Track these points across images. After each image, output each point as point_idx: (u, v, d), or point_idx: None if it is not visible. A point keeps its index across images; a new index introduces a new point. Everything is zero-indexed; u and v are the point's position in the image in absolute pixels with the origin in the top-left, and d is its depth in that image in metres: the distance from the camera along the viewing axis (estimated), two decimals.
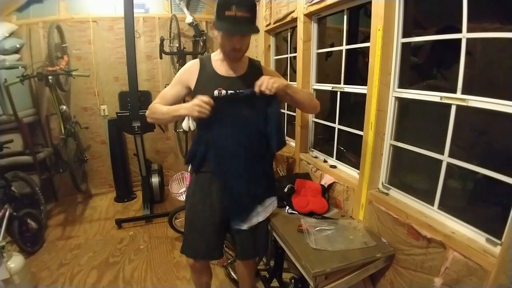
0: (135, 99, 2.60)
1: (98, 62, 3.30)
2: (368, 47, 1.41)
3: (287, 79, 2.47)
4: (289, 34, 2.45)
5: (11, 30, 2.90)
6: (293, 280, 1.62)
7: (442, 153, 1.16)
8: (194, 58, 2.64)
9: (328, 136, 2.01)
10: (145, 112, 2.63)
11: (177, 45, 3.24)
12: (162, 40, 3.11)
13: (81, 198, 3.44)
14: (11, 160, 2.63)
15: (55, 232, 2.69)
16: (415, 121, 1.44)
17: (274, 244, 1.75)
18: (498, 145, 1.13)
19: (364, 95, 1.48)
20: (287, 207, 1.70)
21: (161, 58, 3.23)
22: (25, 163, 2.70)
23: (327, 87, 1.94)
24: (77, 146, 3.17)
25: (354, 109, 1.82)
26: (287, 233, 1.46)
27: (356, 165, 1.68)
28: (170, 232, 2.60)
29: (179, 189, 2.51)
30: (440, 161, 1.17)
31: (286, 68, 2.55)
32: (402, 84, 1.36)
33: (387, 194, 1.44)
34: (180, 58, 3.26)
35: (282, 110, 2.62)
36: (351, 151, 1.84)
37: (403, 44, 1.33)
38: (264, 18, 2.59)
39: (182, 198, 2.40)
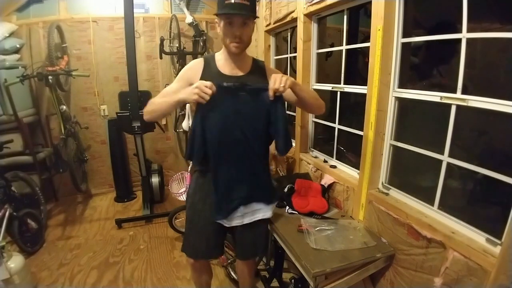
0: (135, 99, 2.60)
1: (98, 62, 3.30)
2: (368, 47, 1.41)
3: None
4: (289, 34, 2.45)
5: (11, 30, 2.90)
6: (293, 280, 1.62)
7: (442, 153, 1.16)
8: (194, 58, 2.65)
9: (328, 136, 2.01)
10: None
11: (177, 45, 3.25)
12: (162, 40, 3.11)
13: (81, 198, 3.44)
14: (11, 160, 2.63)
15: (55, 232, 2.69)
16: (415, 121, 1.44)
17: (274, 244, 1.75)
18: (498, 145, 1.14)
19: (364, 95, 1.48)
20: (287, 207, 1.70)
21: (161, 58, 3.23)
22: (25, 163, 2.70)
23: (327, 87, 1.94)
24: (77, 146, 3.17)
25: (354, 109, 1.82)
26: (287, 233, 1.46)
27: (356, 165, 1.68)
28: (170, 232, 2.60)
29: (179, 189, 2.51)
30: (440, 161, 1.17)
31: (286, 68, 2.55)
32: (402, 84, 1.36)
33: (387, 194, 1.44)
34: (180, 58, 3.26)
35: None
36: (351, 151, 1.84)
37: (403, 44, 1.33)
38: (264, 18, 2.59)
39: (182, 198, 2.40)
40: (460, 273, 1.02)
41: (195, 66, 1.29)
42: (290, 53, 2.46)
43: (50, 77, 2.69)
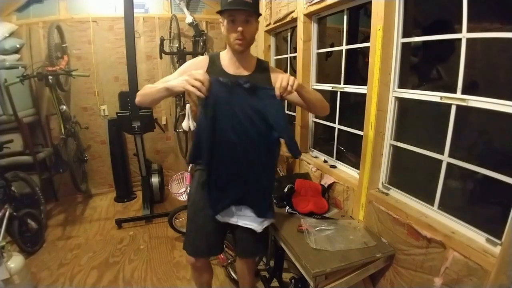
0: (135, 99, 2.60)
1: (98, 62, 3.30)
2: (368, 47, 1.41)
3: None
4: (289, 34, 2.45)
5: (11, 30, 2.90)
6: (293, 280, 1.62)
7: (442, 153, 1.16)
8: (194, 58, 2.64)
9: (328, 136, 2.01)
10: (145, 112, 2.62)
11: (177, 45, 3.25)
12: (162, 40, 3.11)
13: (81, 198, 3.44)
14: (11, 160, 2.63)
15: (55, 232, 2.69)
16: (415, 121, 1.44)
17: (274, 244, 1.75)
18: (498, 145, 1.14)
19: (364, 95, 1.48)
20: (287, 207, 1.70)
21: (161, 58, 3.23)
22: (25, 163, 2.70)
23: (327, 87, 1.94)
24: (77, 146, 3.17)
25: (354, 109, 1.82)
26: (287, 233, 1.46)
27: (356, 165, 1.68)
28: (170, 232, 2.60)
29: (179, 189, 2.51)
30: (440, 161, 1.17)
31: (286, 68, 2.55)
32: (402, 84, 1.36)
33: (387, 194, 1.44)
34: (180, 58, 3.26)
35: None
36: (351, 151, 1.84)
37: (403, 44, 1.33)
38: (264, 18, 2.59)
39: (182, 198, 2.40)
40: (460, 273, 1.02)
41: (200, 63, 1.29)
42: (290, 53, 2.46)
43: (50, 77, 2.69)
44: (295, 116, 2.26)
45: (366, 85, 1.45)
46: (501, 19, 1.02)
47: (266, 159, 1.25)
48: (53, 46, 2.78)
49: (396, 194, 1.41)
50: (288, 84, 1.08)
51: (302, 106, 1.36)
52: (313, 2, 1.79)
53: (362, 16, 1.75)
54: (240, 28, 1.14)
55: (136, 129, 2.66)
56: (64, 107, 2.91)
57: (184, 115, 3.09)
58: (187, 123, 2.85)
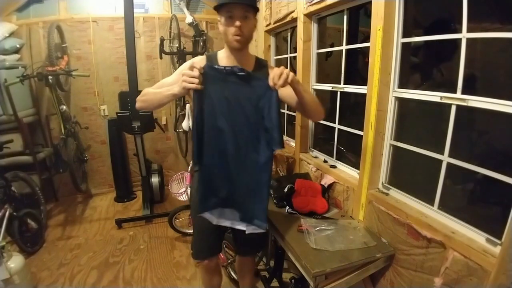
0: (135, 99, 2.59)
1: (98, 62, 3.30)
2: (368, 47, 1.41)
3: None
4: (289, 34, 2.45)
5: (11, 30, 2.90)
6: (293, 280, 1.62)
7: (442, 153, 1.16)
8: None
9: (328, 136, 2.01)
10: (145, 112, 2.61)
11: (177, 45, 3.25)
12: (162, 40, 3.11)
13: (81, 198, 3.44)
14: (11, 160, 2.63)
15: (55, 232, 2.69)
16: (415, 121, 1.44)
17: (274, 244, 1.75)
18: (498, 145, 1.13)
19: (364, 95, 1.48)
20: (287, 207, 1.70)
21: (161, 58, 3.23)
22: (25, 163, 2.70)
23: (327, 87, 1.94)
24: (77, 146, 3.17)
25: (354, 109, 1.82)
26: (287, 233, 1.46)
27: (356, 165, 1.68)
28: (170, 232, 2.60)
29: (179, 189, 2.51)
30: (440, 161, 1.17)
31: (286, 68, 2.55)
32: (402, 84, 1.36)
33: (387, 194, 1.44)
34: (180, 58, 3.26)
35: (282, 110, 2.62)
36: (351, 151, 1.84)
37: (403, 44, 1.32)
38: (264, 18, 2.60)
39: (182, 198, 2.40)
40: (460, 273, 1.02)
41: (197, 63, 1.25)
42: (290, 53, 2.46)
43: (50, 77, 2.69)
44: (295, 116, 2.26)
45: (366, 85, 1.45)
46: (501, 19, 1.02)
47: (258, 153, 1.16)
48: (53, 46, 2.78)
49: (396, 194, 1.41)
50: (282, 73, 1.04)
51: (297, 108, 1.29)
52: (313, 2, 1.79)
53: (362, 16, 1.75)
54: (238, 23, 1.11)
55: (136, 129, 2.67)
56: (64, 107, 2.92)
57: (184, 115, 3.09)
58: (187, 123, 2.85)
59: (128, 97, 2.72)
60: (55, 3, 3.12)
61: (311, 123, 2.15)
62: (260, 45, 2.80)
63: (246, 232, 1.24)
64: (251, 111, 1.12)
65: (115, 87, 3.34)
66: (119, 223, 2.76)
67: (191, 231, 2.45)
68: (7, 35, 2.85)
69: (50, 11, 3.12)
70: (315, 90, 2.08)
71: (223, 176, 1.18)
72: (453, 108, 1.10)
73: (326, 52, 2.04)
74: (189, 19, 3.23)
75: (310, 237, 1.38)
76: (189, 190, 2.12)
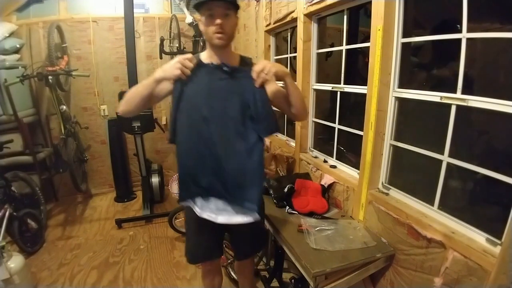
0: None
1: (98, 62, 3.30)
2: (368, 47, 1.41)
3: None
4: (289, 34, 2.45)
5: (11, 30, 2.90)
6: (293, 280, 1.62)
7: (442, 153, 1.16)
8: None
9: (328, 136, 2.01)
10: (145, 112, 2.59)
11: (177, 45, 3.25)
12: (162, 40, 3.11)
13: (81, 198, 3.45)
14: (11, 160, 2.64)
15: (55, 232, 2.70)
16: (415, 121, 1.44)
17: (274, 244, 1.75)
18: (498, 145, 1.13)
19: (364, 95, 1.48)
20: (287, 207, 1.70)
21: (161, 58, 3.23)
22: (25, 163, 2.71)
23: (327, 87, 1.94)
24: (77, 146, 3.17)
25: (354, 109, 1.82)
26: (287, 233, 1.46)
27: (356, 165, 1.68)
28: (170, 232, 2.60)
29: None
30: (440, 161, 1.17)
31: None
32: (402, 84, 1.36)
33: (387, 194, 1.44)
34: None
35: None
36: (351, 151, 1.84)
37: (403, 44, 1.32)
38: (264, 18, 2.59)
39: None
40: (460, 273, 1.02)
41: (189, 57, 1.27)
42: (290, 53, 2.46)
43: (50, 77, 2.70)
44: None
45: (366, 85, 1.45)
46: (501, 19, 1.02)
47: (246, 141, 1.15)
48: (53, 46, 2.78)
49: (396, 194, 1.41)
50: (265, 66, 1.07)
51: (284, 108, 1.27)
52: (313, 2, 1.79)
53: (362, 16, 1.75)
54: (219, 21, 1.10)
55: (136, 129, 2.67)
56: (64, 107, 2.92)
57: None
58: None
59: None
60: (55, 3, 3.13)
61: (311, 123, 2.15)
62: (260, 45, 2.80)
63: (233, 222, 1.21)
64: (237, 103, 1.13)
65: (115, 87, 3.34)
66: (119, 223, 2.76)
67: None
68: (7, 35, 2.85)
69: (50, 11, 3.13)
70: (315, 90, 2.08)
71: (207, 165, 1.15)
72: (453, 108, 1.10)
73: (326, 52, 2.04)
74: (189, 19, 3.23)
75: (310, 237, 1.38)
76: None
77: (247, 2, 2.95)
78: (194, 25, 3.29)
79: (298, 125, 2.18)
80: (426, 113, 1.34)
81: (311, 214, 1.64)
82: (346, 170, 1.79)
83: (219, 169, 1.15)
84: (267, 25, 2.56)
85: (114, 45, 3.32)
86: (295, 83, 1.22)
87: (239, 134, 1.14)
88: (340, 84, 1.80)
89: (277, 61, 2.74)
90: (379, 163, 1.46)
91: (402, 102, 1.37)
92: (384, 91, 1.37)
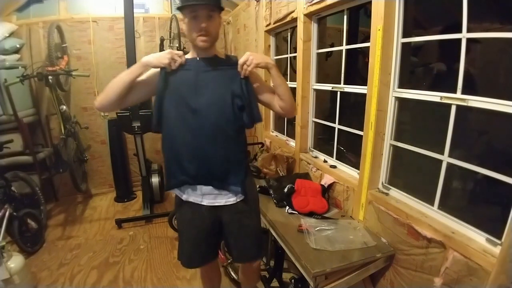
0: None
1: (98, 62, 3.30)
2: (368, 47, 1.41)
3: (287, 79, 2.48)
4: (289, 34, 2.45)
5: (11, 30, 2.90)
6: (293, 280, 1.62)
7: (442, 153, 1.16)
8: None
9: (328, 136, 2.01)
10: (145, 112, 2.57)
11: (177, 45, 3.24)
12: (162, 40, 3.11)
13: (81, 198, 3.45)
14: (11, 160, 2.64)
15: (55, 232, 2.69)
16: (415, 121, 1.44)
17: (274, 244, 1.75)
18: (498, 145, 1.14)
19: (364, 95, 1.48)
20: (287, 207, 1.70)
21: None
22: (25, 163, 2.71)
23: (327, 87, 1.94)
24: (77, 146, 3.17)
25: (354, 109, 1.82)
26: (287, 233, 1.46)
27: (356, 165, 1.68)
28: (170, 232, 2.60)
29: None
30: (440, 161, 1.17)
31: (286, 68, 2.55)
32: (402, 84, 1.36)
33: (387, 194, 1.44)
34: None
35: None
36: (351, 151, 1.84)
37: (403, 44, 1.32)
38: (264, 18, 2.59)
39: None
40: (460, 273, 1.02)
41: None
42: (290, 53, 2.46)
43: (50, 77, 2.70)
44: (295, 116, 2.26)
45: (366, 85, 1.45)
46: (501, 19, 1.02)
47: (232, 129, 1.19)
48: (53, 46, 2.78)
49: (396, 194, 1.41)
50: (247, 58, 1.11)
51: (270, 102, 1.26)
52: (313, 2, 1.79)
53: (362, 16, 1.75)
54: (203, 24, 1.09)
55: (136, 129, 2.66)
56: (64, 107, 2.92)
57: None
58: None
59: None
60: (55, 3, 3.13)
61: (311, 123, 2.15)
62: (260, 45, 2.80)
63: (217, 204, 1.25)
64: (224, 93, 1.16)
65: None
66: (119, 223, 2.76)
67: None
68: (7, 35, 2.85)
69: (50, 11, 3.13)
70: (315, 90, 2.08)
71: (194, 154, 1.18)
72: (453, 108, 1.10)
73: (326, 52, 2.04)
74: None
75: (310, 237, 1.38)
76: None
77: (247, 2, 2.95)
78: None
79: (298, 125, 2.18)
80: (426, 113, 1.34)
81: (311, 214, 1.64)
82: (346, 170, 1.79)
83: (206, 157, 1.18)
84: (267, 25, 2.56)
85: (114, 45, 3.32)
86: (280, 74, 1.22)
87: (224, 124, 1.17)
88: (340, 84, 1.80)
89: (277, 61, 2.74)
90: (379, 163, 1.46)
91: (402, 102, 1.37)
92: (384, 91, 1.37)
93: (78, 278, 2.07)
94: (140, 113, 2.60)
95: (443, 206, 1.19)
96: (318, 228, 1.45)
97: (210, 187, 1.23)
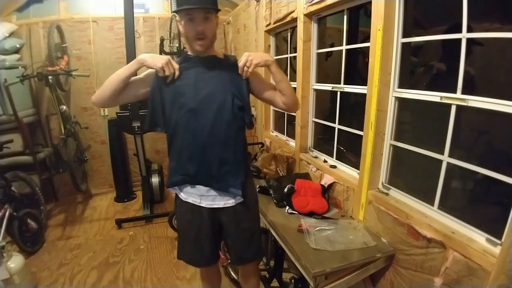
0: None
1: (98, 62, 3.30)
2: (368, 47, 1.41)
3: None
4: (289, 34, 2.45)
5: (11, 30, 2.90)
6: (293, 280, 1.62)
7: (442, 153, 1.16)
8: None
9: (328, 136, 2.01)
10: (145, 112, 2.60)
11: (177, 45, 3.24)
12: (162, 40, 3.11)
13: (81, 198, 3.45)
14: (11, 160, 2.64)
15: (55, 232, 2.70)
16: (415, 121, 1.44)
17: (274, 244, 1.75)
18: (498, 145, 1.13)
19: (364, 95, 1.48)
20: (287, 207, 1.70)
21: None
22: (25, 163, 2.71)
23: (327, 87, 1.94)
24: (77, 146, 3.17)
25: (354, 109, 1.82)
26: (287, 233, 1.46)
27: (356, 165, 1.68)
28: (170, 232, 2.60)
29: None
30: (440, 161, 1.17)
31: (286, 68, 2.55)
32: (402, 84, 1.36)
33: (387, 194, 1.44)
34: None
35: (282, 110, 2.62)
36: (351, 151, 1.84)
37: (403, 44, 1.32)
38: (264, 18, 2.59)
39: None
40: (460, 273, 1.02)
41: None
42: (290, 53, 2.46)
43: (50, 77, 2.70)
44: (295, 116, 2.26)
45: (366, 85, 1.45)
46: (501, 19, 1.02)
47: (229, 131, 1.18)
48: (53, 46, 2.78)
49: (396, 194, 1.41)
50: (247, 59, 1.11)
51: (273, 99, 1.26)
52: (313, 2, 1.79)
53: (362, 16, 1.75)
54: (200, 28, 1.10)
55: (136, 129, 2.66)
56: (64, 107, 2.92)
57: None
58: None
59: None
60: (55, 3, 3.13)
61: (311, 123, 2.15)
62: (260, 45, 2.80)
63: (216, 206, 1.25)
64: (224, 94, 1.16)
65: None
66: (119, 223, 2.76)
67: None
68: (7, 35, 2.85)
69: (50, 11, 3.13)
70: (315, 90, 2.08)
71: (194, 154, 1.19)
72: (453, 108, 1.10)
73: (326, 52, 2.04)
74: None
75: (310, 237, 1.38)
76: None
77: (247, 2, 2.95)
78: None
79: (298, 125, 2.18)
80: (426, 113, 1.34)
81: (311, 214, 1.64)
82: (346, 170, 1.79)
83: (205, 157, 1.18)
84: (267, 25, 2.56)
85: (114, 45, 3.32)
86: (280, 70, 1.22)
87: (224, 124, 1.17)
88: (340, 84, 1.80)
89: (277, 61, 2.74)
90: (379, 163, 1.46)
91: (402, 102, 1.37)
92: (384, 91, 1.37)
93: (78, 278, 2.07)
94: (140, 113, 2.61)
95: (443, 206, 1.19)
96: (318, 228, 1.45)
97: (208, 188, 1.23)
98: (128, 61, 2.51)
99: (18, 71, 2.67)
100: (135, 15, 2.53)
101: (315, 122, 2.14)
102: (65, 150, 2.87)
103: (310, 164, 2.04)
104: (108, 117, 3.37)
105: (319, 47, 2.02)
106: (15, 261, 1.75)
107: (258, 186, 1.73)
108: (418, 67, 1.45)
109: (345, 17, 1.70)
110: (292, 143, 2.40)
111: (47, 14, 3.11)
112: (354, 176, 1.68)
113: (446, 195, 1.18)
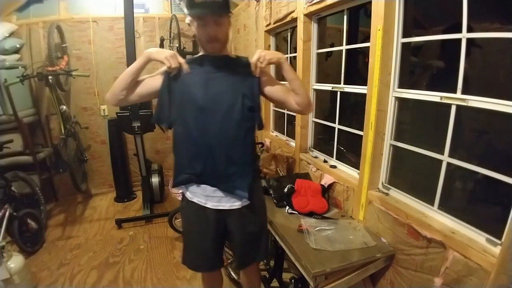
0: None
1: (98, 62, 3.30)
2: (368, 47, 1.41)
3: None
4: (289, 34, 2.45)
5: (11, 30, 2.90)
6: (293, 280, 1.62)
7: (442, 153, 1.16)
8: None
9: (328, 136, 2.01)
10: (145, 112, 2.58)
11: (177, 45, 3.25)
12: (162, 40, 3.11)
13: (81, 198, 3.45)
14: (11, 160, 2.64)
15: (55, 232, 2.69)
16: (415, 121, 1.44)
17: (274, 244, 1.75)
18: (498, 145, 1.14)
19: (364, 95, 1.48)
20: (287, 207, 1.70)
21: None
22: (25, 163, 2.71)
23: (327, 87, 1.94)
24: (77, 146, 3.17)
25: (354, 109, 1.82)
26: (287, 233, 1.46)
27: (356, 165, 1.68)
28: (170, 232, 2.60)
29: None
30: (440, 161, 1.17)
31: None
32: (402, 84, 1.36)
33: (387, 194, 1.44)
34: None
35: (282, 110, 2.62)
36: (351, 151, 1.84)
37: (403, 44, 1.32)
38: (264, 18, 2.59)
39: None
40: (460, 273, 1.02)
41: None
42: (290, 53, 2.46)
43: (50, 77, 2.69)
44: (295, 116, 2.26)
45: (366, 85, 1.45)
46: (501, 19, 1.02)
47: (237, 131, 1.16)
48: (53, 46, 2.78)
49: (396, 194, 1.41)
50: (260, 56, 1.12)
51: (286, 100, 1.23)
52: (313, 2, 1.79)
53: (362, 16, 1.75)
54: (212, 32, 1.11)
55: (136, 129, 2.66)
56: (64, 107, 2.92)
57: None
58: None
59: None
60: (55, 3, 3.13)
61: (311, 123, 2.15)
62: (260, 45, 2.80)
63: (222, 208, 1.23)
64: (235, 93, 1.15)
65: None
66: (119, 223, 2.76)
67: None
68: (7, 35, 2.85)
69: (50, 11, 3.13)
70: (315, 90, 2.08)
71: (201, 152, 1.17)
72: (453, 108, 1.10)
73: (326, 52, 2.04)
74: (189, 19, 3.22)
75: (310, 237, 1.38)
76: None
77: (247, 2, 2.95)
78: None
79: (298, 125, 2.18)
80: (426, 113, 1.34)
81: (311, 214, 1.64)
82: (346, 170, 1.79)
83: (211, 156, 1.17)
84: (267, 25, 2.56)
85: (114, 45, 3.32)
86: (293, 68, 1.22)
87: (233, 124, 1.16)
88: (340, 84, 1.80)
89: None
90: (379, 163, 1.46)
91: (402, 102, 1.37)
92: (384, 91, 1.37)
93: (78, 278, 2.07)
94: (140, 113, 2.61)
95: (443, 206, 1.19)
96: (318, 228, 1.45)
97: (214, 189, 1.22)
98: (128, 61, 2.54)
99: (18, 71, 2.67)
100: (135, 15, 2.53)
101: (315, 122, 2.14)
102: (65, 150, 2.87)
103: (310, 164, 2.04)
104: (108, 117, 3.37)
105: (319, 47, 2.02)
106: (15, 261, 1.75)
107: None
108: (418, 67, 1.45)
109: (345, 17, 1.70)
110: (292, 143, 2.40)
111: (47, 14, 3.11)
112: (354, 176, 1.68)
113: (446, 195, 1.18)
